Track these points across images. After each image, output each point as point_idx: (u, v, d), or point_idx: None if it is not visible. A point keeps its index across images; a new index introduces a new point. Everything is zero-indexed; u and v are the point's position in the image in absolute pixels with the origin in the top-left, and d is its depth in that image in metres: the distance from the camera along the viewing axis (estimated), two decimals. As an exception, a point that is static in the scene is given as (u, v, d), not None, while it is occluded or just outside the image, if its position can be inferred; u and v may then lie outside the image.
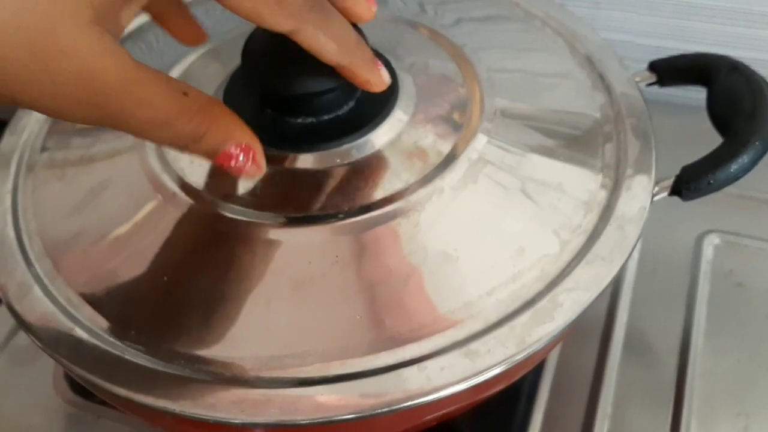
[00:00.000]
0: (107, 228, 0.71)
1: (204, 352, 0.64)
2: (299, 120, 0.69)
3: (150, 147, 0.74)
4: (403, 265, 0.66)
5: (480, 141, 0.72)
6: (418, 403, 0.61)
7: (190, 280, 0.67)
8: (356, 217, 0.67)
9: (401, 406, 0.61)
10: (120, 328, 0.67)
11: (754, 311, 0.96)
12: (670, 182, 0.77)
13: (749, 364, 0.91)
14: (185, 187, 0.70)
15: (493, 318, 0.64)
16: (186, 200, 0.70)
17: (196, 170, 0.71)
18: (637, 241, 0.71)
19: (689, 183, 0.75)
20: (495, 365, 0.62)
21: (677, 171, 0.77)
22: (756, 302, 0.97)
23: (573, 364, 0.92)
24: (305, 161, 0.69)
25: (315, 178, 0.69)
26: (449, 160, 0.70)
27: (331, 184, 0.69)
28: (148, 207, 0.71)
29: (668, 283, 1.00)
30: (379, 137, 0.71)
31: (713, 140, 0.78)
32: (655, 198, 0.78)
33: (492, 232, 0.69)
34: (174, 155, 0.73)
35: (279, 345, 0.64)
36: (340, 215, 0.67)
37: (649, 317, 0.97)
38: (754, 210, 1.07)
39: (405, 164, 0.70)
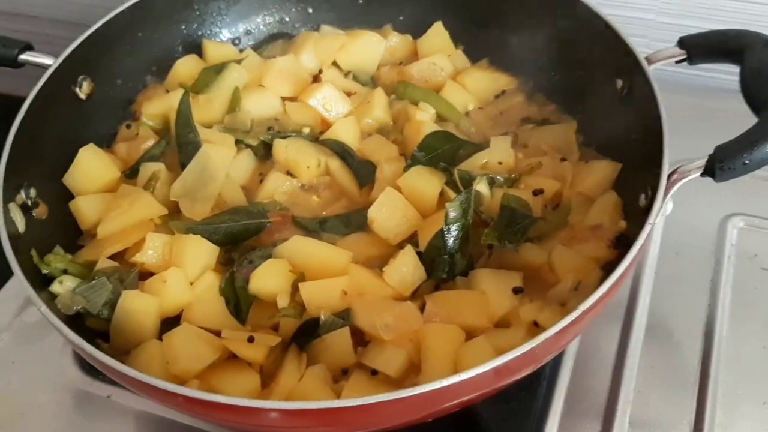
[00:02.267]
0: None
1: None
2: None
3: None
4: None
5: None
6: (447, 385, 0.60)
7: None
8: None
9: (430, 389, 0.60)
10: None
11: (780, 297, 0.94)
12: (702, 162, 0.74)
13: (776, 350, 0.89)
14: None
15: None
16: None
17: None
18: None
19: (723, 163, 0.72)
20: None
21: (706, 153, 0.75)
22: (781, 287, 0.95)
23: (594, 349, 0.90)
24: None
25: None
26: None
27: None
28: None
29: (691, 267, 0.97)
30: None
31: (742, 124, 0.76)
32: (686, 179, 0.76)
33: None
34: None
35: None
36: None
37: (672, 302, 0.94)
38: (779, 193, 1.04)
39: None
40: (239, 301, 0.83)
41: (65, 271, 0.84)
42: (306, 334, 0.79)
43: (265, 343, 0.78)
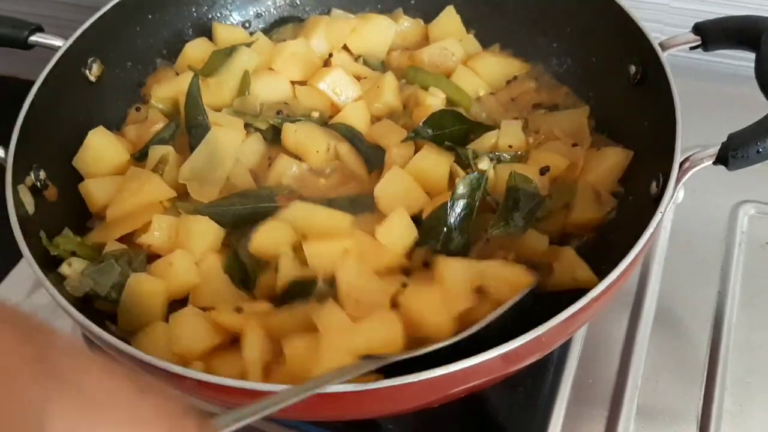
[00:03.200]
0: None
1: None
2: None
3: None
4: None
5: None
6: (453, 371, 0.60)
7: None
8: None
9: (437, 375, 0.60)
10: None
11: (791, 285, 0.93)
12: (714, 150, 0.74)
13: (787, 339, 0.89)
14: None
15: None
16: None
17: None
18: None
19: (737, 151, 0.71)
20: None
21: (719, 141, 0.74)
22: (793, 275, 0.94)
23: (602, 336, 0.90)
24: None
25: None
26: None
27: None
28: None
29: (702, 253, 0.96)
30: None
31: (756, 111, 0.74)
32: (699, 167, 0.75)
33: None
34: None
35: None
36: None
37: (681, 289, 0.93)
38: (791, 180, 1.03)
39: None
40: (246, 273, 0.83)
41: (74, 254, 0.84)
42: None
43: (254, 311, 0.78)
